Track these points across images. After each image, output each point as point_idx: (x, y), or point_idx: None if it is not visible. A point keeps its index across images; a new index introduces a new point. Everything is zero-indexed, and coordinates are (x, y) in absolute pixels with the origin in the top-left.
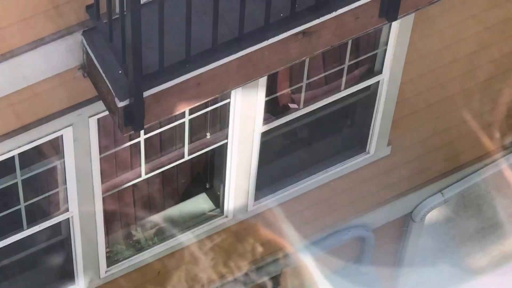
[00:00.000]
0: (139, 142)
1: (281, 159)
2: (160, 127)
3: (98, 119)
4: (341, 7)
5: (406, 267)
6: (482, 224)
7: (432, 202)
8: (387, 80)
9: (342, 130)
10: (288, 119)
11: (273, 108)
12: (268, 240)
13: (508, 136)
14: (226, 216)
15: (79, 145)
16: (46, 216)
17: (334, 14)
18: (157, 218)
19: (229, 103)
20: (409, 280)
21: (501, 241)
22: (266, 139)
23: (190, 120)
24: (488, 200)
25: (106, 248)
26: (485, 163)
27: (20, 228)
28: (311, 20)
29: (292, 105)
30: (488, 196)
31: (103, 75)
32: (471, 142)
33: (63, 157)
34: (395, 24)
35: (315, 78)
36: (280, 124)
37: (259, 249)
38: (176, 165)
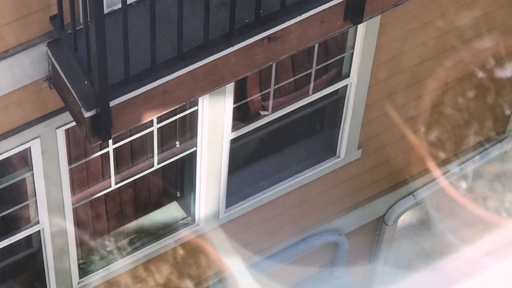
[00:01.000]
0: (108, 152)
1: (251, 165)
2: (130, 135)
3: (66, 130)
4: (306, 11)
5: (380, 270)
6: (455, 226)
7: (404, 205)
8: (355, 83)
9: (312, 134)
10: (257, 125)
11: (243, 114)
12: (236, 248)
13: (477, 137)
14: (198, 224)
15: (48, 156)
16: (17, 229)
17: (299, 18)
18: (129, 228)
19: (197, 110)
20: (383, 284)
21: (474, 242)
22: (236, 146)
23: (159, 129)
24: (460, 202)
25: (79, 259)
26: (456, 164)
27: None
28: (276, 25)
29: (263, 112)
30: (460, 198)
31: (69, 85)
32: (441, 143)
33: (32, 169)
34: (361, 27)
35: (283, 83)
36: (250, 130)
37: (228, 257)
38: (147, 174)
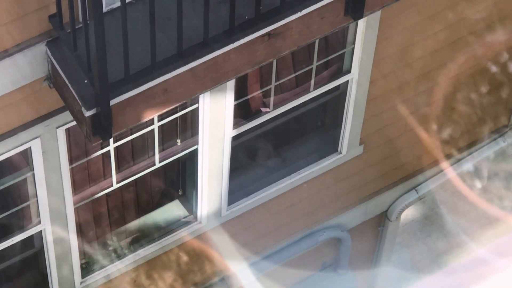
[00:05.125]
0: (109, 151)
1: (253, 163)
2: (131, 134)
3: (67, 130)
4: (306, 7)
5: (384, 266)
6: (458, 220)
7: (406, 200)
8: (356, 79)
9: (314, 131)
10: (258, 122)
11: (245, 111)
12: (239, 246)
13: (479, 131)
14: (200, 222)
15: (48, 156)
16: (18, 229)
17: (299, 14)
18: (131, 226)
19: (197, 108)
20: (386, 279)
21: (477, 236)
22: (238, 143)
23: (160, 127)
24: (463, 196)
25: (81, 259)
26: (458, 159)
27: None
28: (276, 22)
29: (264, 109)
30: (463, 192)
31: (69, 85)
32: (443, 138)
33: (33, 169)
34: (361, 22)
35: (284, 80)
36: (251, 128)
37: (231, 255)
38: (149, 172)
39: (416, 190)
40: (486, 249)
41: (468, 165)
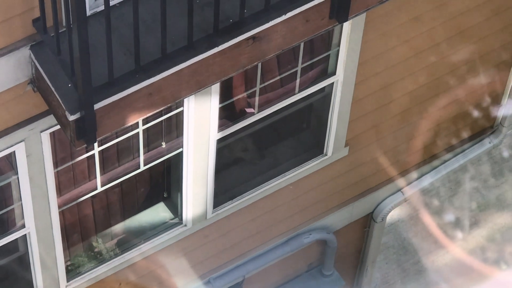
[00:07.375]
0: (94, 154)
1: (238, 165)
2: (116, 137)
3: (51, 133)
4: (291, 10)
5: (369, 267)
6: (444, 221)
7: (392, 201)
8: (342, 81)
9: (299, 133)
10: (244, 125)
11: (229, 114)
12: (225, 248)
13: (465, 132)
14: (185, 225)
15: (33, 160)
16: (3, 233)
17: (284, 17)
18: (117, 229)
19: (182, 111)
20: (372, 280)
21: (464, 237)
22: (223, 145)
23: (145, 130)
24: (449, 197)
25: (66, 262)
26: (444, 160)
27: None
28: (261, 25)
29: (248, 110)
30: (449, 193)
31: (53, 89)
32: (428, 139)
33: (17, 173)
34: (346, 25)
35: (269, 82)
36: (236, 130)
37: (217, 258)
38: (134, 175)
39: (401, 192)
40: (473, 249)
41: (453, 167)
